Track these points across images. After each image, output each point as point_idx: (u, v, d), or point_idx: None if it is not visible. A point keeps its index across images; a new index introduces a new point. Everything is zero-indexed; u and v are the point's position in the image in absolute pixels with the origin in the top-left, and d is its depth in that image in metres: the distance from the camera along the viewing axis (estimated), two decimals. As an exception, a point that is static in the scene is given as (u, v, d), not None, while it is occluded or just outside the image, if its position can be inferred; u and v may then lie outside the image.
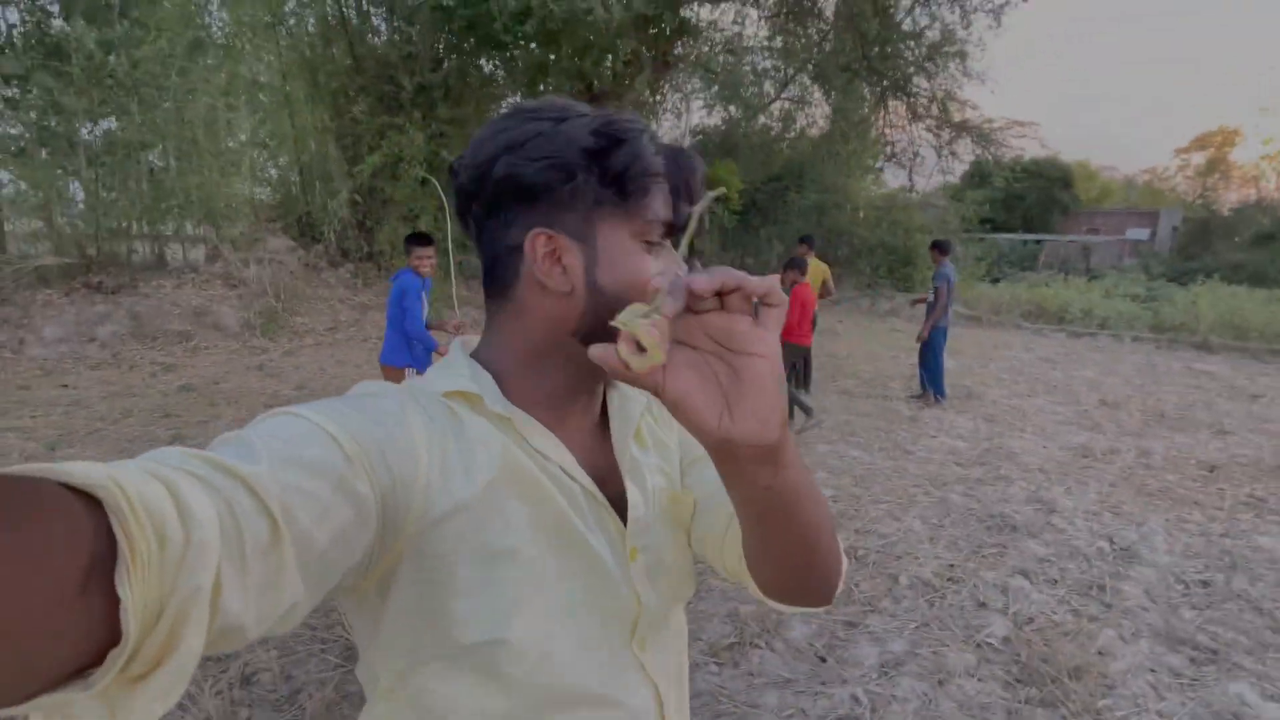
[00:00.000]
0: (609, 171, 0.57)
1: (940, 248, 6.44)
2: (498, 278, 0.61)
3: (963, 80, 16.77)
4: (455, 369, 0.61)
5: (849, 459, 4.74)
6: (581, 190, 0.57)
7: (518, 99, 8.32)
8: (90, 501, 0.31)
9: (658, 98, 12.64)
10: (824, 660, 2.51)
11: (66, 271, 8.01)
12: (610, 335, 0.45)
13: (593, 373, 0.60)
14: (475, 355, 0.63)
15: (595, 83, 7.86)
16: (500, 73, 8.90)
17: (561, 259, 0.58)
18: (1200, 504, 4.11)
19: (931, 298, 6.35)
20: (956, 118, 13.74)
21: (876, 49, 12.23)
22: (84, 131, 11.97)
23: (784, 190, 17.27)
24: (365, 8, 9.17)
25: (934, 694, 2.34)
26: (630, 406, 0.69)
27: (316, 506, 0.43)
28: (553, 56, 7.72)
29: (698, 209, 0.50)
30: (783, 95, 18.02)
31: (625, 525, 0.62)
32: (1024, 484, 4.35)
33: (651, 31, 7.95)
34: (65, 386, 6.02)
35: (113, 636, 0.31)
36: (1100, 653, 2.58)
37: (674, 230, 0.61)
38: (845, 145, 16.32)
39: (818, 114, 18.52)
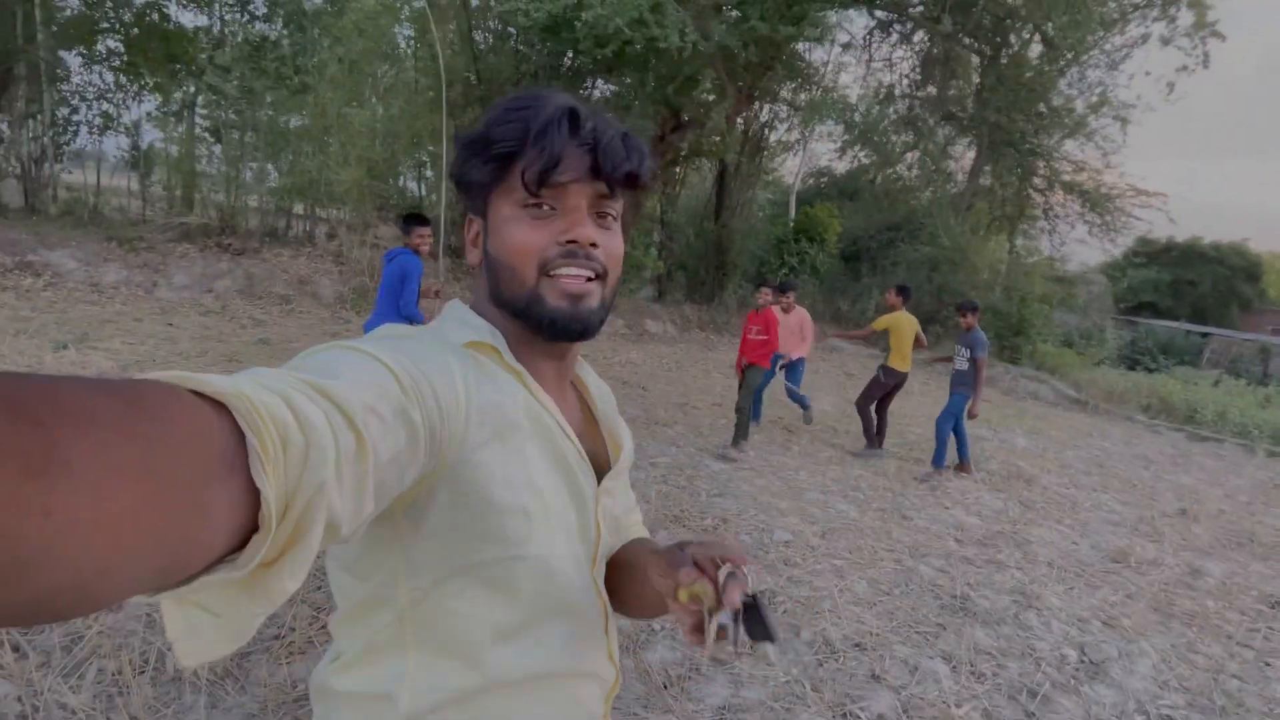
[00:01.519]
0: (482, 151, 0.66)
1: (970, 309, 5.71)
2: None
3: (1118, 143, 15.48)
4: (471, 323, 0.69)
5: (831, 511, 4.48)
6: (472, 174, 0.67)
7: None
8: (220, 409, 0.35)
9: (744, 130, 12.56)
10: (665, 688, 2.41)
11: (204, 230, 9.25)
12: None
13: (537, 342, 0.70)
14: None
15: (682, 111, 8.01)
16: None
17: (476, 236, 0.71)
18: (1231, 637, 3.49)
19: (966, 365, 5.61)
20: (1072, 178, 12.58)
21: (1021, 118, 11.51)
22: (262, 117, 13.83)
23: (897, 240, 16.56)
24: (494, 26, 9.93)
25: (757, 749, 2.18)
26: (604, 387, 0.85)
27: (383, 428, 0.46)
28: (641, 83, 7.97)
29: None
30: (917, 146, 17.37)
31: (597, 477, 0.74)
32: (1019, 574, 3.90)
33: (737, 64, 7.98)
34: (170, 325, 6.94)
35: (251, 525, 0.36)
36: (979, 757, 2.29)
37: (545, 186, 0.65)
38: (974, 203, 15.42)
39: (954, 166, 17.67)
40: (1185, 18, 11.43)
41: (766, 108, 12.87)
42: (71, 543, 0.26)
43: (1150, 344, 25.66)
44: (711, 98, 8.31)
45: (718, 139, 8.88)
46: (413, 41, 10.25)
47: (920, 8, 10.06)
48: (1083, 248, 16.22)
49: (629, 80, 8.27)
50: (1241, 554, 4.92)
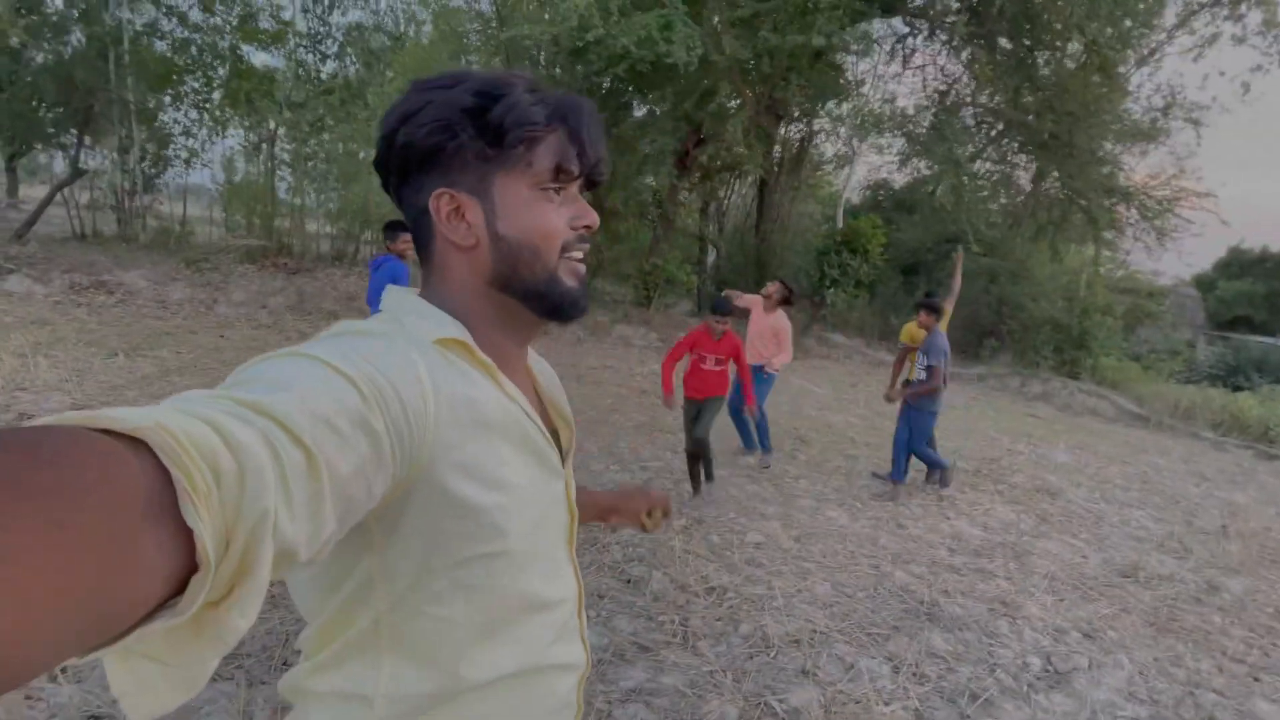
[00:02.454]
0: (489, 127, 0.62)
1: (929, 309, 4.87)
2: (420, 241, 0.69)
3: (1191, 148, 14.54)
4: (434, 318, 0.65)
5: (820, 518, 4.41)
6: (468, 148, 0.63)
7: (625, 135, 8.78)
8: (137, 445, 0.33)
9: (779, 143, 12.42)
10: (582, 671, 2.47)
11: (264, 252, 9.98)
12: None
13: (518, 318, 0.70)
14: None
15: (704, 126, 8.08)
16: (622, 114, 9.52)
17: (465, 215, 0.65)
18: (1226, 653, 3.24)
19: (924, 374, 4.80)
20: (1122, 182, 11.86)
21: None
22: (329, 149, 14.80)
23: (952, 252, 16.02)
24: (532, 53, 10.34)
25: (656, 730, 2.22)
26: (543, 363, 0.84)
27: (339, 440, 0.44)
28: (661, 99, 8.12)
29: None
30: (980, 155, 16.81)
31: (561, 457, 0.74)
32: (1005, 584, 3.74)
33: (752, 77, 8.00)
34: (222, 337, 7.52)
35: (189, 566, 0.33)
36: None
37: (572, 176, 0.66)
38: (1036, 212, 14.76)
39: (1020, 176, 17.00)
40: (1254, 17, 10.72)
41: (804, 121, 12.79)
42: None
43: (1243, 360, 23.71)
44: (732, 109, 8.37)
45: (743, 152, 8.94)
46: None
47: (944, 13, 9.82)
48: (1175, 260, 15.21)
49: (650, 97, 8.45)
50: (1274, 571, 4.53)
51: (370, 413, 0.47)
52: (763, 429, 5.34)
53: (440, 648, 0.63)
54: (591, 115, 0.66)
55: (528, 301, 0.68)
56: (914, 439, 4.96)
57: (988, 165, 16.24)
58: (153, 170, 15.05)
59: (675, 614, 2.97)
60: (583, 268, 0.70)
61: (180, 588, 0.34)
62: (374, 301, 4.43)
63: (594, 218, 0.70)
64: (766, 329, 5.28)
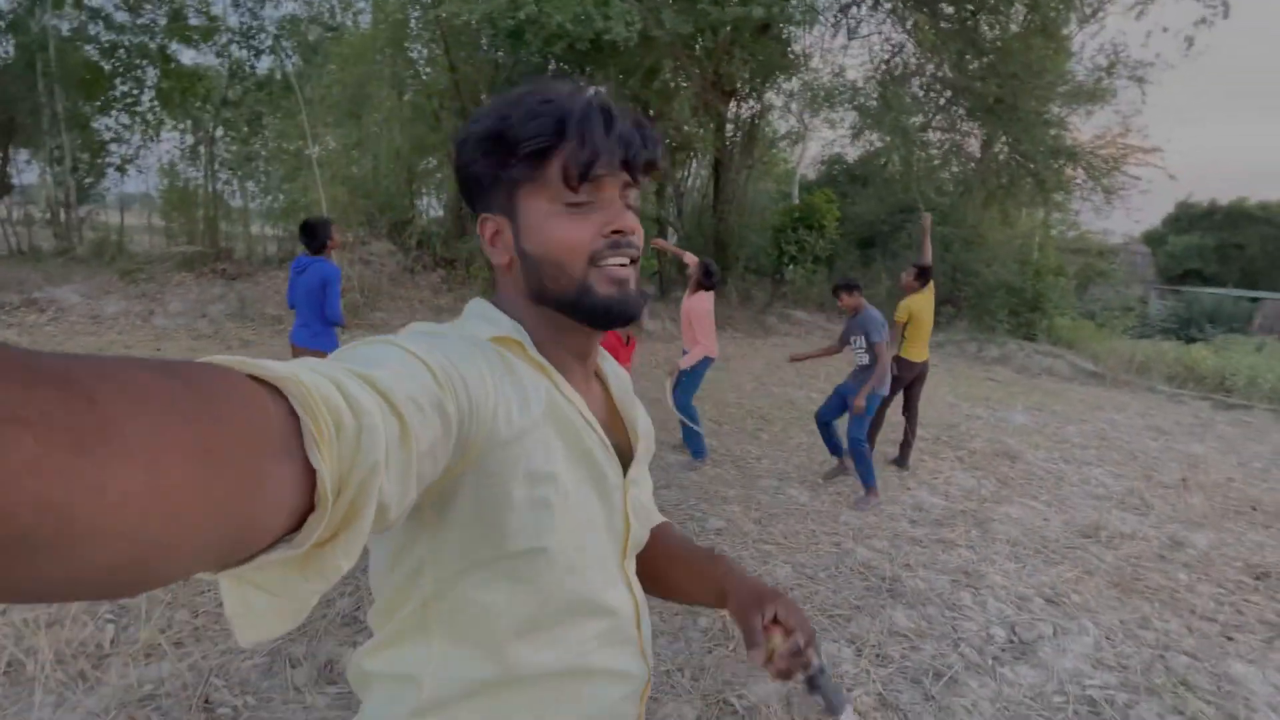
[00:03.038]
0: (506, 148, 0.65)
1: (847, 288, 4.43)
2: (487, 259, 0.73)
3: (1137, 105, 14.78)
4: (495, 320, 0.69)
5: (780, 497, 4.33)
6: (494, 171, 0.66)
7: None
8: (275, 393, 0.36)
9: (731, 121, 12.26)
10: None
11: (202, 259, 9.55)
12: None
13: (566, 327, 0.71)
14: None
15: (650, 105, 7.91)
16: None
17: (500, 236, 0.69)
18: (1195, 611, 3.24)
19: (866, 357, 4.37)
20: (1075, 144, 11.97)
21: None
22: (266, 147, 14.25)
23: (908, 223, 16.12)
24: (471, 35, 10.02)
25: None
26: (623, 374, 0.84)
27: (422, 417, 0.48)
28: (605, 79, 7.92)
29: None
30: (931, 126, 16.88)
31: (624, 468, 0.74)
32: (968, 554, 3.70)
33: (695, 52, 7.83)
34: (158, 350, 7.16)
35: (307, 505, 0.37)
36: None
37: (591, 178, 0.65)
38: (987, 178, 14.88)
39: (970, 144, 17.12)
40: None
41: (755, 98, 12.66)
42: (126, 519, 0.26)
43: (1195, 313, 24.41)
44: (678, 87, 8.19)
45: (692, 131, 8.75)
46: (394, 58, 10.40)
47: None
48: (1124, 218, 15.52)
49: (594, 77, 8.26)
50: (1238, 523, 4.59)
51: (445, 397, 0.51)
52: (688, 432, 4.80)
53: (485, 634, 0.64)
54: (597, 108, 0.65)
55: (566, 311, 0.69)
56: (855, 424, 4.28)
57: (938, 135, 16.36)
58: (88, 180, 14.36)
59: (631, 612, 2.84)
60: (625, 272, 0.69)
61: (297, 524, 0.37)
62: (302, 301, 4.20)
63: (626, 221, 0.68)
64: (683, 313, 4.69)
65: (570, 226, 0.66)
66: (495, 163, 0.66)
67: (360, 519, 0.40)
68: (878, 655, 2.67)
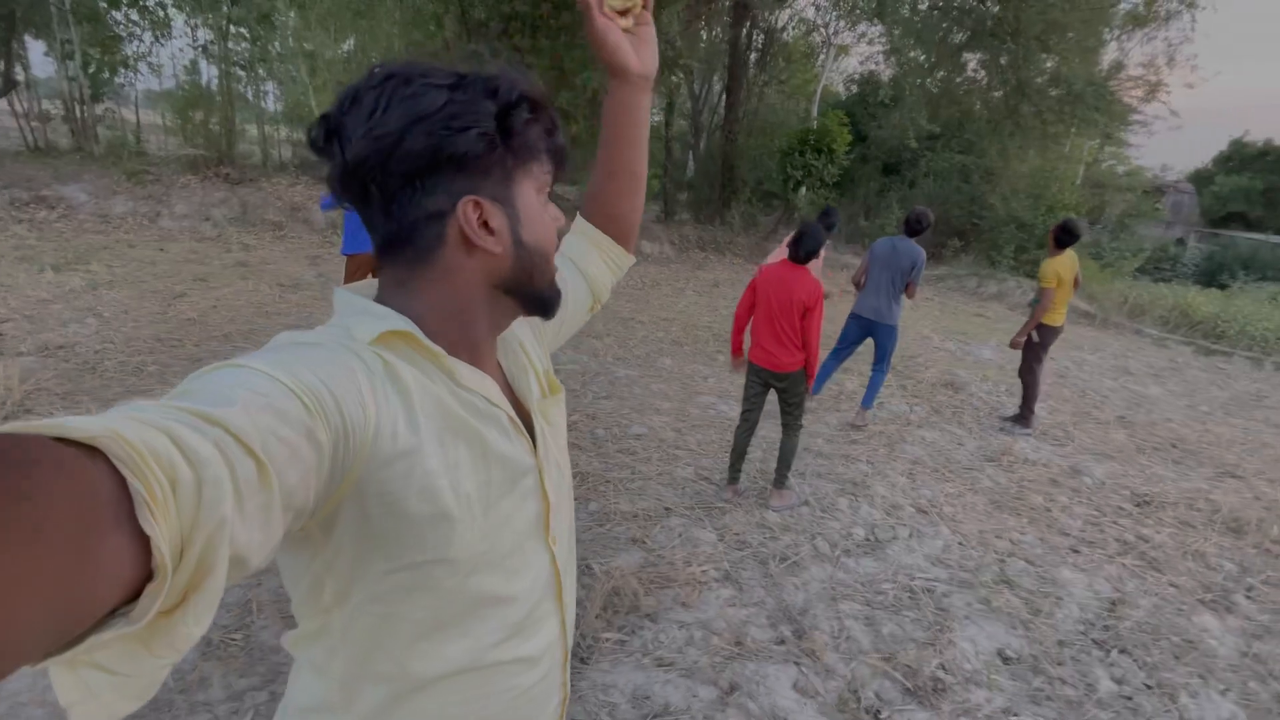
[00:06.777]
0: (513, 134, 0.62)
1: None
2: (415, 244, 0.63)
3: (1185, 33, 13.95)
4: (375, 313, 0.62)
5: (711, 413, 4.65)
6: (501, 156, 0.61)
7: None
8: (94, 453, 0.33)
9: (745, 35, 11.76)
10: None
11: (206, 162, 9.81)
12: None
13: (505, 316, 0.70)
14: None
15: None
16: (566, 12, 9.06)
17: (490, 223, 0.63)
18: (1053, 526, 3.55)
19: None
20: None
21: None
22: (275, 47, 14.13)
23: (929, 149, 15.65)
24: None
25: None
26: (513, 345, 0.78)
27: (287, 451, 0.45)
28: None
29: None
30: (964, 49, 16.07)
31: (534, 443, 0.71)
32: (865, 467, 4.01)
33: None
34: (161, 250, 7.55)
35: (144, 574, 0.34)
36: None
37: (559, 168, 0.68)
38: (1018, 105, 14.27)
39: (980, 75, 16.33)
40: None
41: (769, 13, 12.16)
42: None
43: (1230, 258, 23.54)
44: None
45: (680, 45, 8.55)
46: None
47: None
48: (1185, 154, 14.96)
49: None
50: (1151, 458, 4.83)
51: (314, 423, 0.48)
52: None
53: (386, 643, 0.63)
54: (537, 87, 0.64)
55: (524, 301, 0.69)
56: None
57: (975, 57, 15.63)
58: (103, 76, 14.46)
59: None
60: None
61: (134, 595, 0.34)
62: (354, 245, 4.53)
63: (564, 219, 0.71)
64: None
65: (547, 218, 0.67)
66: (503, 146, 0.61)
67: (211, 578, 0.37)
68: (738, 542, 3.04)
